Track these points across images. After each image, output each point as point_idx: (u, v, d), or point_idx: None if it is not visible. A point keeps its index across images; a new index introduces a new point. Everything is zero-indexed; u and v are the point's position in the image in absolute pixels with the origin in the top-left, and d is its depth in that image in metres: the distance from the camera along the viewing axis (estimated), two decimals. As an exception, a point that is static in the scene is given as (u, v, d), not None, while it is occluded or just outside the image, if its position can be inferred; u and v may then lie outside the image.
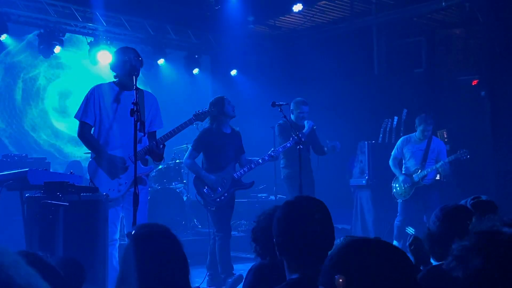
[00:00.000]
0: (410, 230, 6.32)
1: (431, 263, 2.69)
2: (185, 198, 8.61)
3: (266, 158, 5.72)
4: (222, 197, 5.60)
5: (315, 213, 2.02)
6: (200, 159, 5.86)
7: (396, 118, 8.40)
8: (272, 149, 5.89)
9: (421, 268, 2.68)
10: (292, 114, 6.56)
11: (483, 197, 3.23)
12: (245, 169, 5.72)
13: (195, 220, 8.56)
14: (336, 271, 1.20)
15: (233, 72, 10.46)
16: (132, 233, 2.11)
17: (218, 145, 5.63)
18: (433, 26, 9.36)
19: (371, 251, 1.22)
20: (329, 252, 1.29)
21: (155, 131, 4.64)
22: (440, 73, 9.19)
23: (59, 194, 3.71)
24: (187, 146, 8.73)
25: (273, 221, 2.07)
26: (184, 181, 8.74)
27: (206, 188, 5.59)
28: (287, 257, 1.99)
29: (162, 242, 2.04)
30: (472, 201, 3.16)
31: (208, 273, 5.74)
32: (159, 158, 4.51)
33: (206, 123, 5.64)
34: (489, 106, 8.53)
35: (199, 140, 5.70)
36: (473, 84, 8.75)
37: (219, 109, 5.61)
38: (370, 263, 1.20)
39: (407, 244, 2.80)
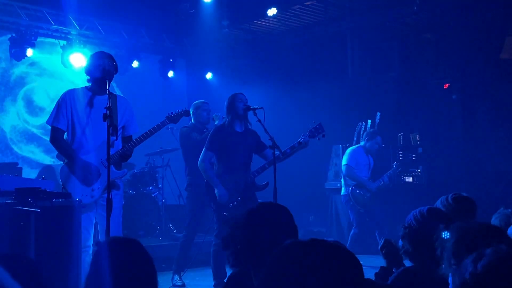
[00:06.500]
0: None
1: (404, 265, 2.73)
2: (160, 203, 8.54)
3: (281, 156, 5.10)
4: (235, 202, 5.21)
5: (278, 221, 1.95)
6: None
7: (369, 121, 8.51)
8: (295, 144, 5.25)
9: (393, 270, 2.71)
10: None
11: (463, 194, 3.21)
12: (259, 169, 5.28)
13: (170, 225, 8.50)
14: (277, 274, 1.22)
15: (209, 76, 10.45)
16: (102, 248, 2.05)
17: (230, 144, 5.23)
18: (405, 31, 9.51)
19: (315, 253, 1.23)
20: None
21: (131, 136, 4.61)
22: (412, 76, 9.34)
23: (30, 200, 3.65)
24: (161, 150, 8.68)
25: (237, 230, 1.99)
26: (159, 185, 8.67)
27: (218, 194, 5.18)
28: (251, 266, 1.94)
29: (134, 261, 1.98)
30: (453, 196, 3.14)
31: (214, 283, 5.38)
32: (126, 159, 4.47)
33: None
34: (460, 109, 8.71)
35: (211, 138, 5.30)
36: (444, 87, 8.92)
37: (229, 106, 5.26)
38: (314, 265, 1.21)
39: (379, 247, 2.81)
